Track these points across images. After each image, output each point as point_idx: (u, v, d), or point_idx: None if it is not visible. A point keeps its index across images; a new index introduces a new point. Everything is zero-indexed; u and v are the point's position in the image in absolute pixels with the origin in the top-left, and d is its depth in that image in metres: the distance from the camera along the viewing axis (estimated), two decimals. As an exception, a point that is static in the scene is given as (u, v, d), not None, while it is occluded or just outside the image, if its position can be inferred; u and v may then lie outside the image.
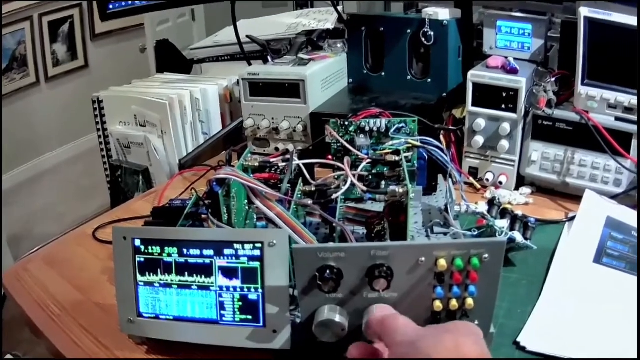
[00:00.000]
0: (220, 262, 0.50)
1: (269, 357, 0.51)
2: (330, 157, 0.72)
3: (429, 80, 0.96)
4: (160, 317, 0.53)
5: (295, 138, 0.94)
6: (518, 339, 0.52)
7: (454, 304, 0.45)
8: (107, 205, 1.21)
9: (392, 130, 0.72)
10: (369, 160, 0.68)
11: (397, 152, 0.67)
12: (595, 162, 0.75)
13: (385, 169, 0.68)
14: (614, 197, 0.74)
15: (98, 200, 2.08)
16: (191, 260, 0.51)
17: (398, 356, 0.39)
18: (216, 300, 0.51)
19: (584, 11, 0.71)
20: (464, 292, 0.44)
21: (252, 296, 0.50)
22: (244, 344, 0.50)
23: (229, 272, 0.50)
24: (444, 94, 0.93)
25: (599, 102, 0.73)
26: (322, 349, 0.47)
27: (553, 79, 0.79)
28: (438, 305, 0.45)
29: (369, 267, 0.44)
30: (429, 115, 0.82)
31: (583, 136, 0.74)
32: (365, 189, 0.63)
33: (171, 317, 0.52)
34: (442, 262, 0.43)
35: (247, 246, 0.49)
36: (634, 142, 0.71)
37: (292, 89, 0.91)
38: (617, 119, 0.73)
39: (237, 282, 0.50)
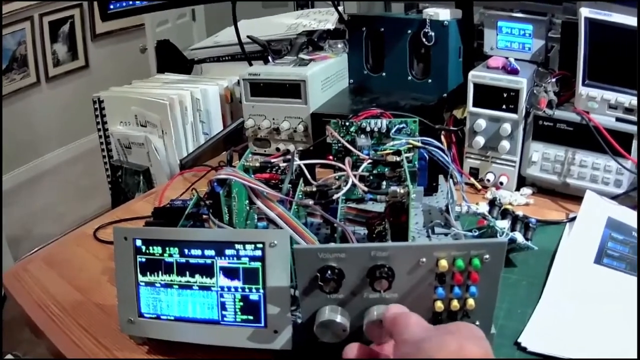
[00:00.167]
0: (221, 262, 0.50)
1: (269, 357, 0.51)
2: (331, 157, 0.72)
3: (430, 80, 0.96)
4: (162, 317, 0.53)
5: (296, 138, 0.94)
6: (519, 340, 0.52)
7: (455, 304, 0.44)
8: (108, 205, 1.21)
9: (392, 131, 0.72)
10: (369, 161, 0.68)
11: (398, 153, 0.67)
12: (596, 163, 0.75)
13: (386, 170, 0.68)
14: (614, 197, 0.74)
15: (98, 201, 2.09)
16: (192, 261, 0.51)
17: (402, 355, 0.40)
18: (217, 301, 0.51)
19: (585, 12, 0.71)
20: (465, 293, 0.44)
21: (253, 296, 0.50)
22: (245, 344, 0.50)
23: (230, 273, 0.50)
24: (445, 95, 0.93)
25: (599, 103, 0.73)
26: (323, 350, 0.47)
27: (554, 80, 0.79)
28: (439, 305, 0.45)
29: (370, 267, 0.44)
30: (430, 115, 0.82)
31: (584, 137, 0.74)
32: (366, 189, 0.63)
33: (172, 318, 0.52)
34: (443, 263, 0.43)
35: (248, 246, 0.49)
36: (635, 143, 0.71)
37: (292, 90, 0.91)
38: (618, 119, 0.73)
39: (238, 283, 0.50)
